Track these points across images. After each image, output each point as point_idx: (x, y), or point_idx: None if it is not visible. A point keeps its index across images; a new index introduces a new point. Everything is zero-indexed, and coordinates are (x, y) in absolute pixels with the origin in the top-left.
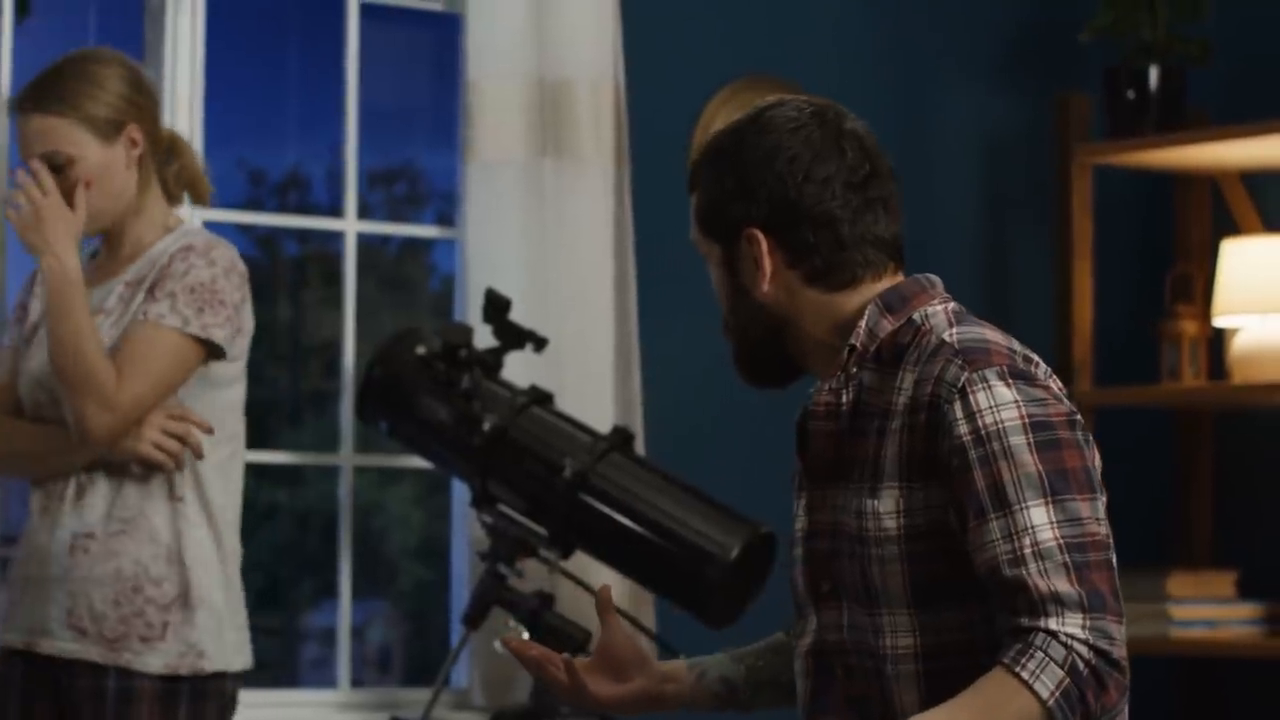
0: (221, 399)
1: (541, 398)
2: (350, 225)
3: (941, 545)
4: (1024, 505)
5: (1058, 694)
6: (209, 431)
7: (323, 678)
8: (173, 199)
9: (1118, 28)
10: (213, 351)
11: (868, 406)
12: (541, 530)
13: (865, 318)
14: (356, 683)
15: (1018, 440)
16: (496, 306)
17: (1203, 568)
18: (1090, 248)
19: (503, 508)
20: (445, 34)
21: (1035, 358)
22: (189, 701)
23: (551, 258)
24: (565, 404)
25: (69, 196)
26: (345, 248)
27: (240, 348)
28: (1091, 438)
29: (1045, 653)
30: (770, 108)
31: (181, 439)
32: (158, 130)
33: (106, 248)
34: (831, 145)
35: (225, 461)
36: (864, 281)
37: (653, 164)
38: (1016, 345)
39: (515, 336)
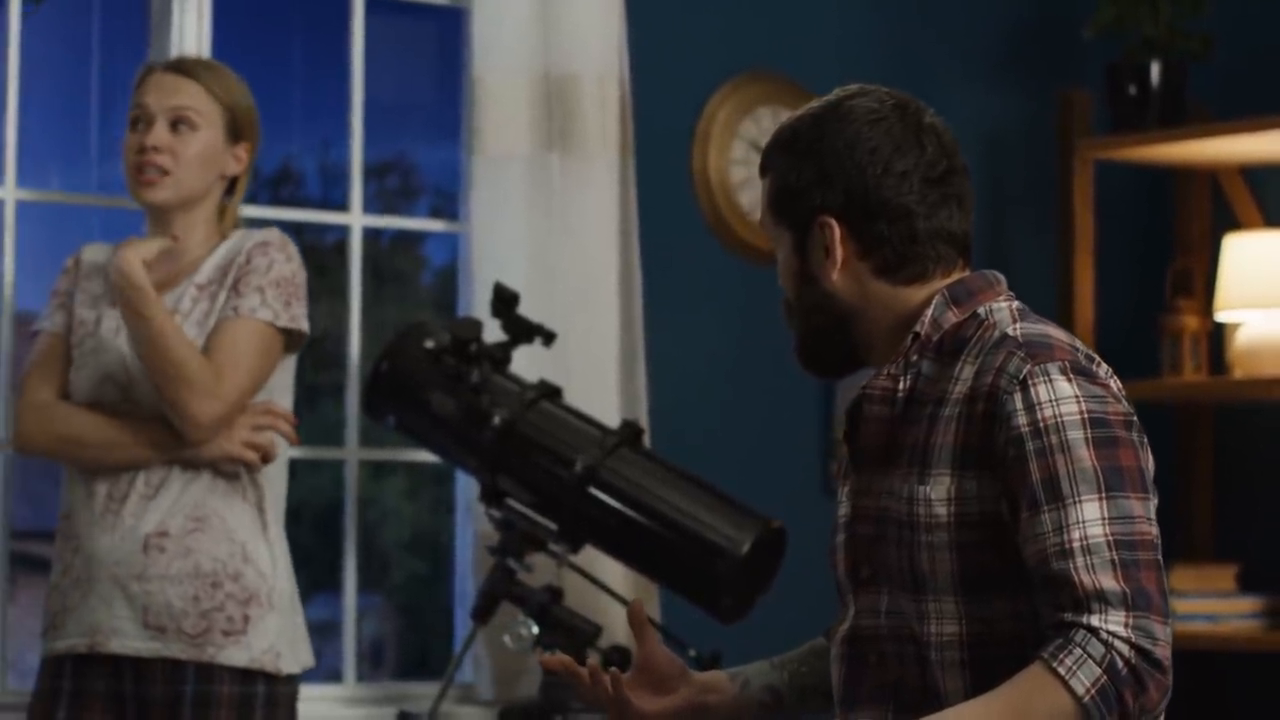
0: (286, 387)
1: (551, 392)
2: (355, 219)
3: (992, 536)
4: (1077, 500)
5: (1094, 691)
6: (295, 422)
7: (319, 671)
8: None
9: (1120, 23)
10: (293, 342)
11: (923, 395)
12: (551, 525)
13: (931, 308)
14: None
15: (1075, 435)
16: (505, 301)
17: (1203, 561)
18: (1091, 243)
19: (511, 502)
20: (444, 28)
21: (1096, 357)
22: (264, 707)
23: (556, 252)
24: (569, 398)
25: (180, 152)
26: (351, 241)
27: None
28: (1146, 441)
29: (1084, 649)
30: (851, 97)
31: (271, 430)
32: (252, 162)
33: (166, 254)
34: (911, 139)
35: (279, 462)
36: (934, 276)
37: (656, 159)
38: (1079, 344)
39: (524, 330)
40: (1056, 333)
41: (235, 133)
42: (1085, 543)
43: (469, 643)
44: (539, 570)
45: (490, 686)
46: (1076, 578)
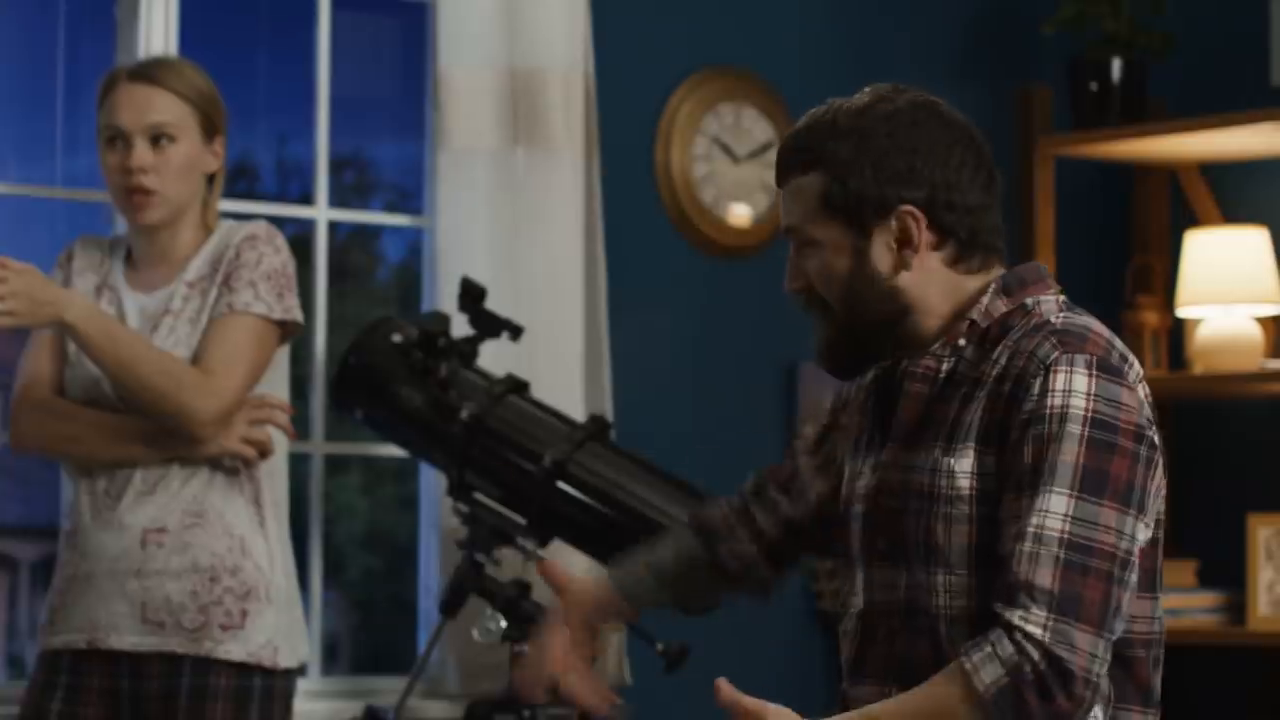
0: (281, 379)
1: (519, 386)
2: (321, 214)
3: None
4: (1049, 489)
5: (994, 689)
6: (290, 411)
7: None
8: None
9: (1080, 20)
10: (287, 333)
11: (961, 377)
12: (519, 519)
13: (987, 296)
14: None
15: (1073, 429)
16: (472, 295)
17: (1164, 557)
18: (1052, 238)
19: (479, 496)
20: (408, 23)
21: (1133, 360)
22: (260, 700)
23: (521, 246)
24: (534, 392)
25: (164, 169)
26: (316, 236)
27: None
28: (1160, 462)
29: (994, 647)
30: (894, 94)
31: (267, 423)
32: (225, 153)
33: (150, 253)
34: (966, 136)
35: (277, 456)
36: (990, 267)
37: (619, 153)
38: (1118, 343)
39: (492, 325)
40: (1098, 327)
41: (210, 131)
42: (1039, 532)
43: (436, 636)
44: (505, 564)
45: (455, 680)
46: (1016, 565)
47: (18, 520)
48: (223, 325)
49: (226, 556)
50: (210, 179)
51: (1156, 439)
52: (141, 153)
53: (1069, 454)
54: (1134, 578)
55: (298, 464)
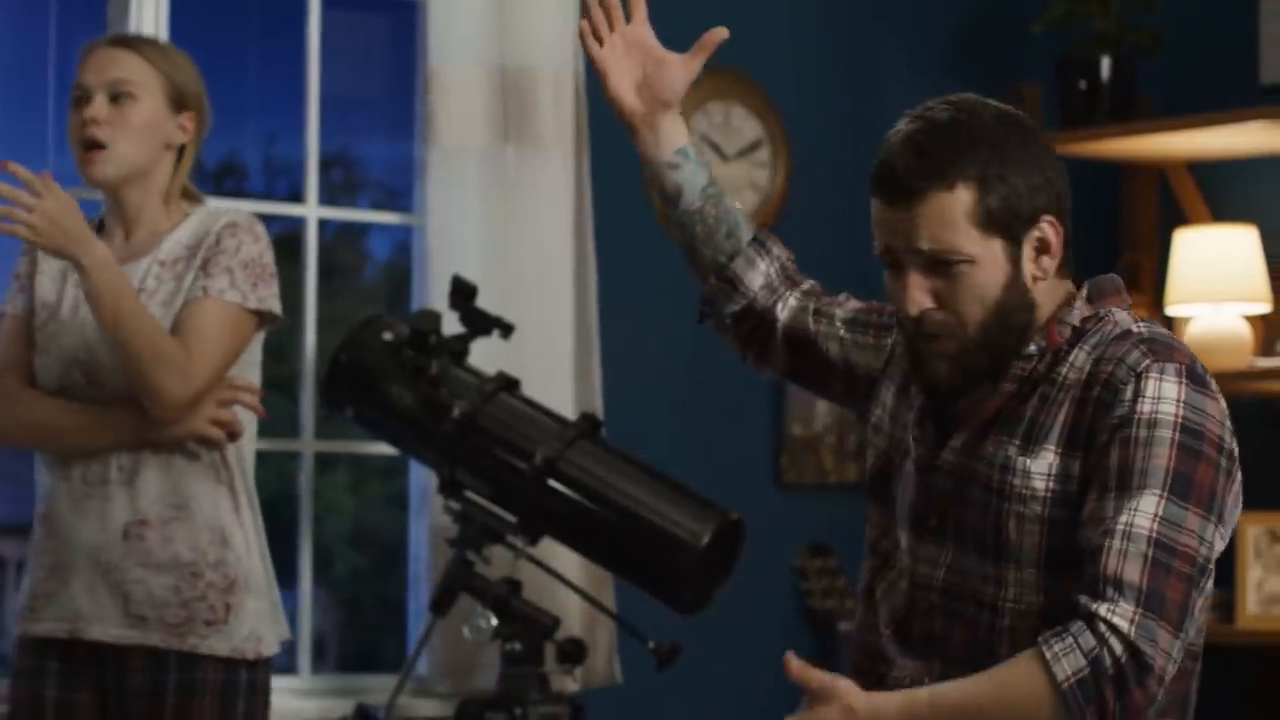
0: (254, 364)
1: (509, 384)
2: (311, 211)
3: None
4: (1141, 490)
5: (1073, 680)
6: (260, 394)
7: None
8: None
9: (1070, 18)
10: (263, 323)
11: (1035, 375)
12: (510, 517)
13: (1079, 301)
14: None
15: (1164, 434)
16: (463, 293)
17: None
18: None
19: (469, 494)
20: (398, 21)
21: (1210, 377)
22: (246, 694)
23: (511, 244)
24: (525, 390)
25: (120, 125)
26: (306, 234)
27: None
28: (1239, 477)
29: (1076, 639)
30: (986, 103)
31: (234, 404)
32: (201, 135)
33: (122, 229)
34: (1052, 148)
35: (244, 438)
36: (1068, 272)
37: (610, 152)
38: (1197, 358)
39: (482, 323)
40: (1180, 340)
41: (179, 102)
42: (1128, 529)
43: (428, 634)
44: (495, 562)
45: (444, 678)
46: (1104, 558)
47: (6, 519)
48: (197, 309)
49: (209, 550)
50: (179, 155)
51: (1236, 452)
52: (98, 106)
53: (1160, 457)
54: (1209, 585)
55: (287, 462)
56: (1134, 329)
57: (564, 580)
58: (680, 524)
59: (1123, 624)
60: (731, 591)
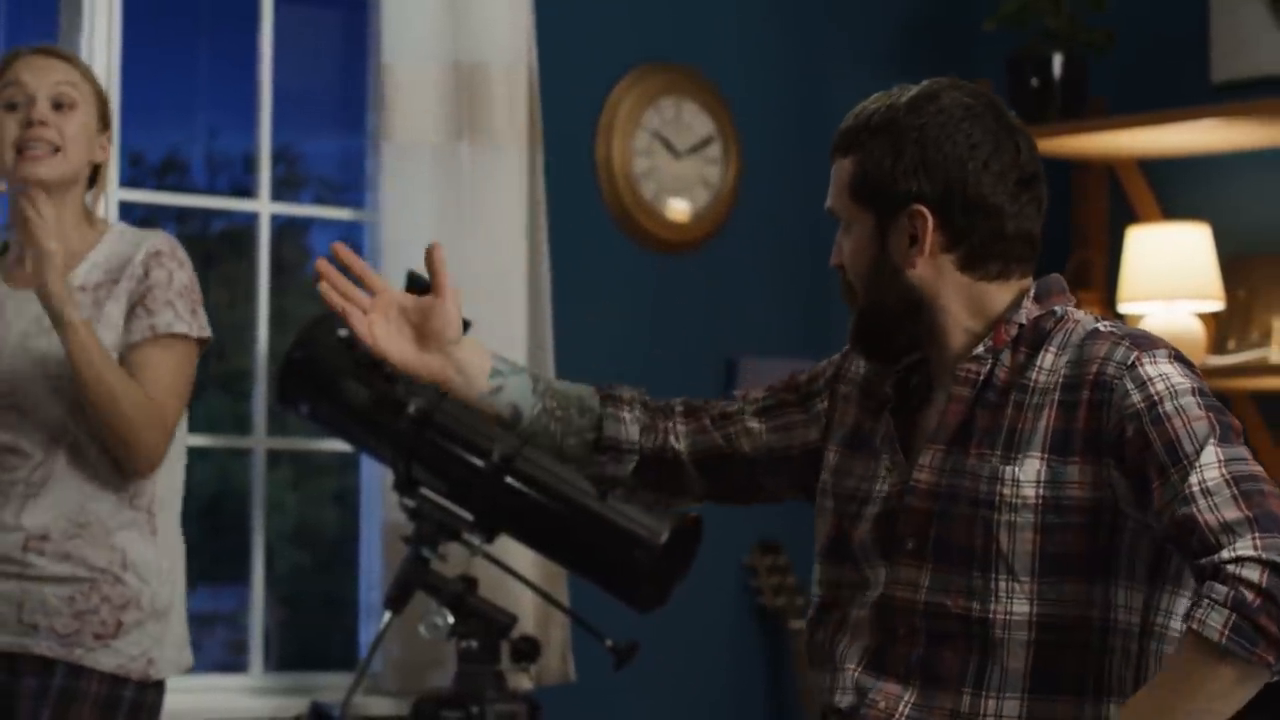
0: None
1: None
2: (264, 207)
3: (1081, 521)
4: (1197, 450)
5: (1227, 631)
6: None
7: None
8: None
9: (1021, 16)
10: (203, 347)
11: (1000, 382)
12: (466, 514)
13: (1027, 301)
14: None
15: (1188, 400)
16: (419, 288)
17: None
18: None
19: (425, 491)
20: (349, 17)
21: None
22: (129, 713)
23: (465, 240)
24: None
25: (65, 130)
26: (259, 230)
27: None
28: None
29: (1209, 596)
30: (945, 90)
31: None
32: (109, 154)
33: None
34: (1006, 138)
35: (173, 458)
36: (1013, 275)
37: (561, 148)
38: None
39: None
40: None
41: (104, 120)
42: (1204, 486)
43: (384, 632)
44: (451, 560)
45: (399, 676)
46: (1201, 519)
47: None
48: (152, 352)
49: (109, 568)
50: (94, 174)
51: None
52: (44, 109)
53: (1198, 418)
54: None
55: (237, 460)
56: (1102, 327)
57: (521, 578)
58: (639, 521)
59: (1249, 552)
60: (682, 589)
